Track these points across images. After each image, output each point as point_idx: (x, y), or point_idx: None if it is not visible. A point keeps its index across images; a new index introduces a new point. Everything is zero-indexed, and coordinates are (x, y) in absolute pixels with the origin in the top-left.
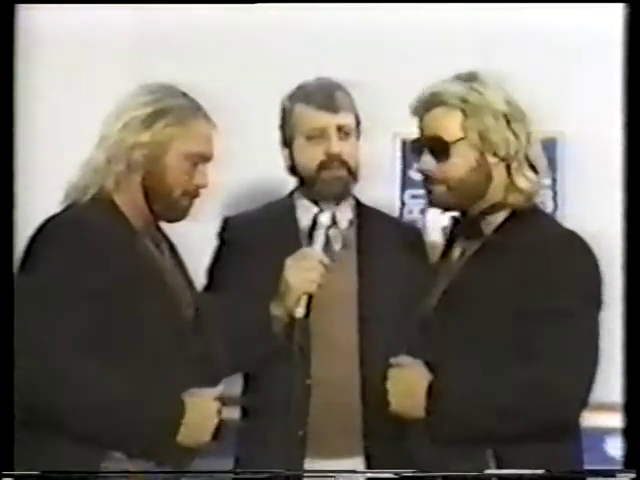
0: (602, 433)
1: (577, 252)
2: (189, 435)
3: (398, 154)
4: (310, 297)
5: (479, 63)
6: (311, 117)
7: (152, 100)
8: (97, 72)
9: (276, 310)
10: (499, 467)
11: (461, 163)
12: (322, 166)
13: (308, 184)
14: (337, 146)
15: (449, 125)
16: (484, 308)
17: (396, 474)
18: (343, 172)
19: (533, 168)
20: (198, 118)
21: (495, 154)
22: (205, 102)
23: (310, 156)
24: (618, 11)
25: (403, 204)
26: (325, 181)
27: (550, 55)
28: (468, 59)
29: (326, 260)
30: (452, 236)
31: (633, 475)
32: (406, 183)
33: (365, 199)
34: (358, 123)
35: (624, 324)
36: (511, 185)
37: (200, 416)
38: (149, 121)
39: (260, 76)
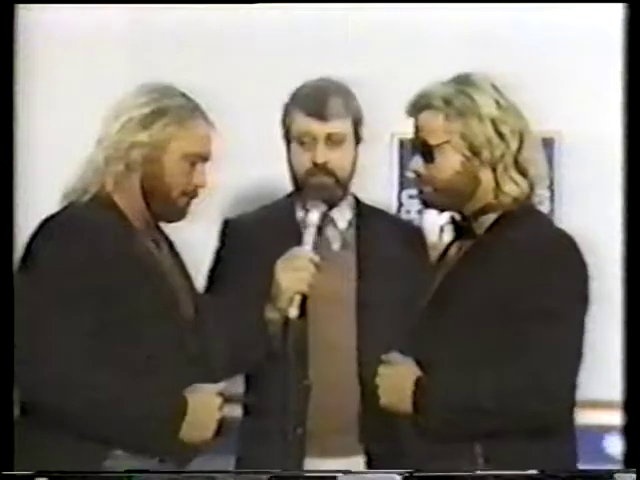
0: (601, 431)
1: (565, 252)
2: (192, 431)
3: (395, 154)
4: (304, 297)
5: (478, 63)
6: (301, 123)
7: (150, 100)
8: (97, 72)
9: (270, 313)
10: (487, 464)
11: (446, 166)
12: (309, 173)
13: (299, 188)
14: (323, 156)
15: (433, 128)
16: (473, 307)
17: (398, 474)
18: (330, 181)
19: (524, 173)
20: (196, 118)
21: (479, 157)
22: (204, 102)
23: (300, 161)
24: (618, 11)
25: (400, 204)
26: (311, 188)
27: (549, 55)
28: (467, 59)
29: (317, 259)
30: (450, 235)
31: (633, 475)
32: (403, 183)
33: (362, 199)
34: (357, 127)
35: (624, 323)
36: (497, 189)
37: (202, 412)
38: (147, 121)
39: (259, 76)
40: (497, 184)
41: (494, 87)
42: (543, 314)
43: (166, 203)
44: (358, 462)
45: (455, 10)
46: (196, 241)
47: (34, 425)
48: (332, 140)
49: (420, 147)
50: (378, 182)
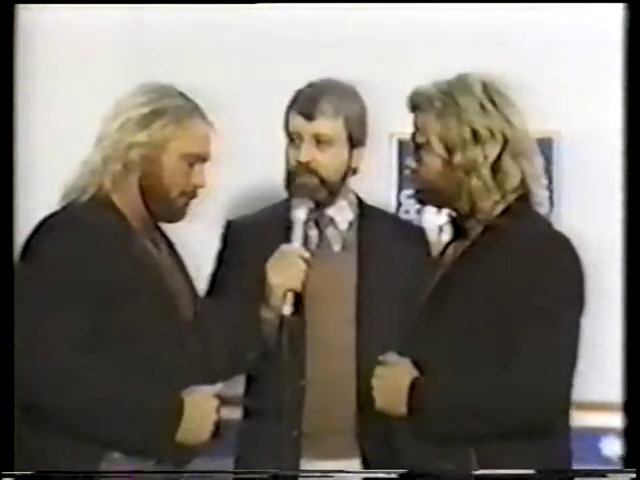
0: (598, 433)
1: (560, 252)
2: (188, 433)
3: (394, 154)
4: (297, 295)
5: (478, 63)
6: (291, 121)
7: (149, 100)
8: (96, 72)
9: (265, 312)
10: (482, 466)
11: (429, 166)
12: (294, 171)
13: (287, 185)
14: (307, 155)
15: (419, 127)
16: (468, 308)
17: (394, 475)
18: (313, 181)
19: (499, 183)
20: (195, 118)
21: (455, 159)
22: (204, 103)
23: (289, 159)
24: (618, 11)
25: (399, 204)
26: (296, 187)
27: (549, 54)
28: (467, 59)
29: (306, 255)
30: (448, 235)
31: (633, 475)
32: (402, 183)
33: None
34: (351, 130)
35: (624, 323)
36: (478, 192)
37: (199, 414)
38: (146, 121)
39: (259, 77)
40: (478, 188)
41: (485, 89)
42: (538, 315)
43: (165, 203)
44: (354, 463)
45: (455, 10)
46: (196, 242)
47: (30, 426)
48: (320, 140)
49: (412, 146)
50: (377, 182)
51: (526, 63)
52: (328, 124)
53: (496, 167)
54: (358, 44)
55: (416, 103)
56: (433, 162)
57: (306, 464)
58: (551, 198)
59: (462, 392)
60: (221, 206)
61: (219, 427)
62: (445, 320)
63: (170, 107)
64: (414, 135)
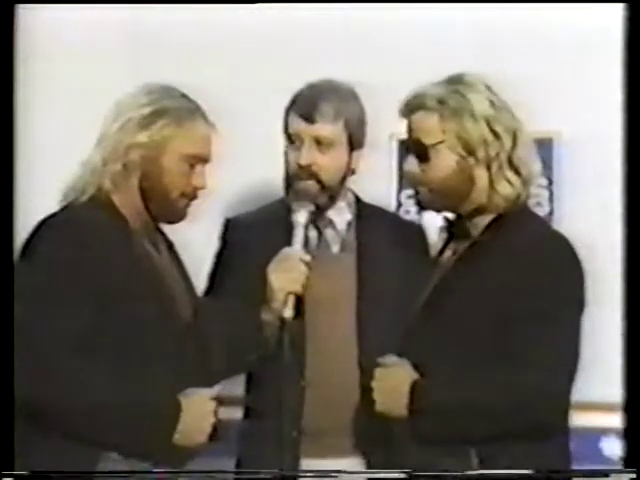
0: (598, 433)
1: (560, 254)
2: (185, 435)
3: (394, 155)
4: (298, 298)
5: (478, 63)
6: (292, 124)
7: (150, 101)
8: (97, 72)
9: (266, 315)
10: (483, 467)
11: (441, 166)
12: (295, 174)
13: (287, 188)
14: (308, 158)
15: (428, 128)
16: (468, 309)
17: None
18: (313, 184)
19: (517, 172)
20: (196, 119)
21: (475, 156)
22: (204, 103)
23: (289, 162)
24: (618, 10)
25: (399, 204)
26: (295, 190)
27: (549, 55)
28: (466, 59)
29: (307, 258)
30: (447, 236)
31: (633, 475)
32: (402, 183)
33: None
34: (351, 133)
35: (624, 324)
36: (492, 189)
37: (196, 416)
38: (146, 122)
39: (259, 77)
40: (491, 183)
41: (487, 87)
42: (538, 315)
43: (165, 204)
44: (353, 463)
45: (455, 10)
46: (195, 242)
47: (27, 427)
48: (320, 143)
49: (414, 148)
50: (377, 182)
51: (526, 63)
52: (329, 127)
53: (513, 161)
54: (358, 45)
55: (420, 104)
56: (446, 162)
57: (306, 463)
58: (550, 198)
59: (462, 394)
60: (220, 206)
61: (218, 429)
62: (445, 321)
63: (171, 108)
64: (417, 138)
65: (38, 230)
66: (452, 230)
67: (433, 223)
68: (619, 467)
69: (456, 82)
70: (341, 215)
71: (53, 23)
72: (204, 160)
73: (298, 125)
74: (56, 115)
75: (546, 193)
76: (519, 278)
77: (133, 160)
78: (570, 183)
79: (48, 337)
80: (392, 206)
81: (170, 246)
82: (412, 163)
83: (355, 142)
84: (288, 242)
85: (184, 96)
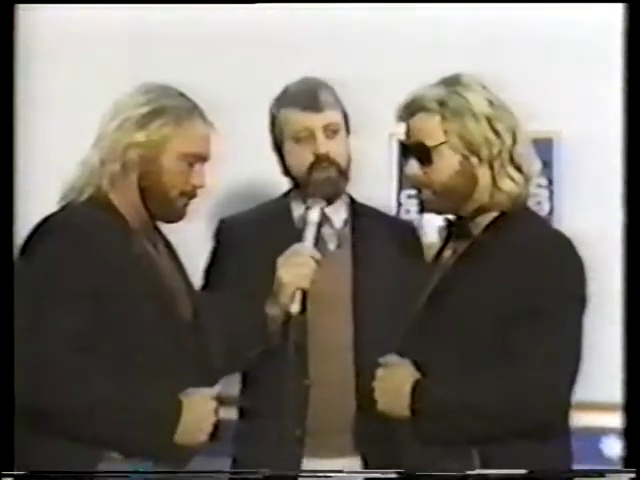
0: (599, 433)
1: (562, 253)
2: (186, 435)
3: (394, 154)
4: (304, 293)
5: (477, 63)
6: (296, 119)
7: (148, 100)
8: (97, 72)
9: (271, 309)
10: (485, 467)
11: (444, 167)
12: (312, 167)
13: (301, 186)
14: (324, 146)
15: (429, 130)
16: (469, 308)
17: (394, 474)
18: (333, 172)
19: (519, 169)
20: (194, 118)
21: (478, 156)
22: (204, 102)
23: (300, 158)
24: (618, 10)
25: (399, 204)
26: (316, 182)
27: (548, 54)
28: (466, 59)
29: (318, 255)
30: (446, 236)
31: (633, 475)
32: (402, 183)
33: (362, 199)
34: (346, 119)
35: (624, 324)
36: (495, 187)
37: (197, 416)
38: (144, 121)
39: (256, 76)
40: (494, 181)
41: (483, 87)
42: (539, 315)
43: (164, 203)
44: (355, 462)
45: (456, 10)
46: (193, 241)
47: (27, 427)
48: (329, 130)
49: (416, 150)
50: (377, 182)
51: (526, 63)
52: (334, 114)
53: (514, 158)
54: (358, 44)
55: (419, 106)
56: (448, 162)
57: (308, 463)
58: (550, 198)
59: (464, 393)
60: (219, 205)
61: (218, 429)
62: (446, 321)
63: (169, 107)
64: (419, 140)
65: (37, 230)
66: (452, 229)
67: (433, 223)
68: (619, 467)
69: (453, 83)
70: (338, 213)
71: (53, 23)
72: (203, 159)
73: (305, 117)
74: (56, 115)
75: (546, 193)
76: (520, 277)
77: (131, 159)
78: (570, 183)
79: (47, 336)
80: (392, 206)
81: (169, 245)
82: (414, 166)
83: (349, 127)
84: (283, 240)
85: (182, 95)
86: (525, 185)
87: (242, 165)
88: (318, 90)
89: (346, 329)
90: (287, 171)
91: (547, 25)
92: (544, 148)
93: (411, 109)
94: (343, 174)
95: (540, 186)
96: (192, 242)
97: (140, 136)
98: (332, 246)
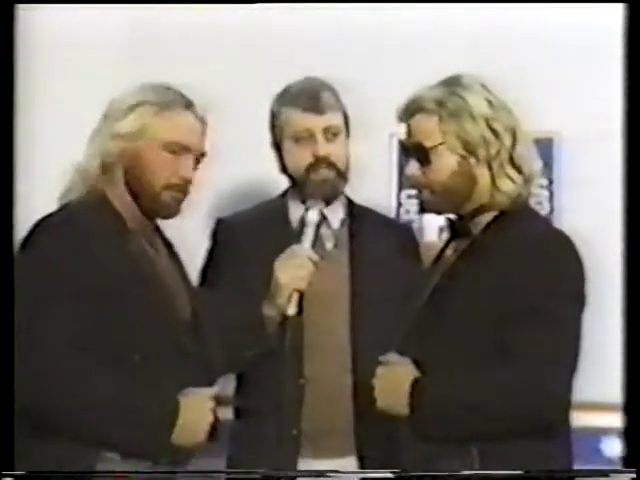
0: (599, 433)
1: (561, 252)
2: (183, 435)
3: (394, 154)
4: (301, 295)
5: (477, 63)
6: (297, 120)
7: (132, 94)
8: (96, 72)
9: (268, 310)
10: (484, 465)
11: (443, 168)
12: (310, 168)
13: (299, 186)
14: (324, 148)
15: (428, 131)
16: (469, 307)
17: (391, 474)
18: (332, 174)
19: (519, 170)
20: (178, 109)
21: (476, 156)
22: (200, 101)
23: (298, 158)
24: (618, 10)
25: (400, 204)
26: (314, 183)
27: (549, 54)
28: (466, 59)
29: (315, 257)
30: (448, 236)
31: (633, 475)
32: (402, 183)
33: (362, 199)
34: (347, 121)
35: (624, 323)
36: (494, 187)
37: (194, 416)
38: (124, 114)
39: (255, 75)
40: (493, 181)
41: (483, 87)
42: (538, 314)
43: (152, 197)
44: (352, 462)
45: (456, 10)
46: (191, 240)
47: (25, 427)
48: (330, 132)
49: (415, 151)
50: (377, 182)
51: (526, 63)
52: (335, 116)
53: (514, 157)
54: (358, 44)
55: (418, 107)
56: (447, 163)
57: (302, 463)
58: (551, 198)
59: (463, 392)
60: (213, 205)
61: (216, 428)
62: (445, 320)
63: (151, 99)
64: (417, 141)
65: (34, 231)
66: (453, 229)
67: (433, 223)
68: (619, 467)
69: (453, 84)
70: (335, 213)
71: (53, 23)
72: (188, 150)
73: (306, 119)
74: (56, 115)
75: (546, 193)
76: (520, 276)
77: (113, 153)
78: (570, 183)
79: (45, 336)
80: (392, 206)
81: (168, 244)
82: (414, 166)
83: (349, 129)
84: (280, 240)
85: (168, 89)
86: (525, 185)
87: (241, 164)
88: (320, 91)
89: (343, 329)
90: (285, 169)
91: (547, 25)
92: (544, 148)
93: (410, 110)
94: (342, 176)
95: (540, 186)
96: (190, 241)
97: (120, 127)
98: (329, 246)
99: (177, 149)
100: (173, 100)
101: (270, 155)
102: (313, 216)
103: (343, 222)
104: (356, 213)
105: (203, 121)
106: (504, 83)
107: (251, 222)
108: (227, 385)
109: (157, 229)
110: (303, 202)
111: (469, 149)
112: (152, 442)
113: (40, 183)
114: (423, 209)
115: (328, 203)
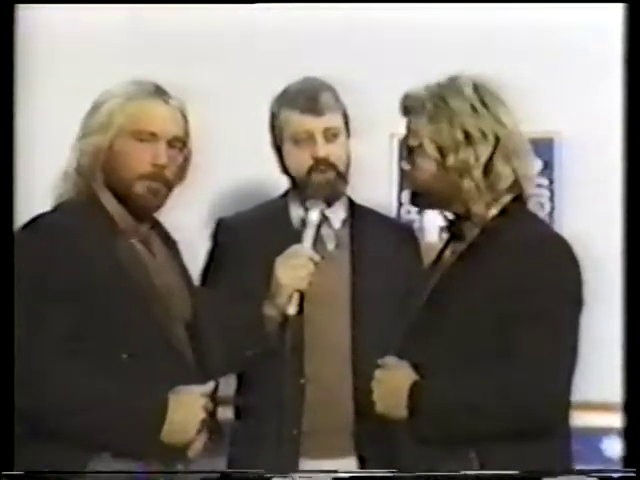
0: (599, 433)
1: (558, 254)
2: (172, 433)
3: (395, 154)
4: (302, 295)
5: (478, 62)
6: (296, 121)
7: (103, 92)
8: (96, 72)
9: (269, 310)
10: (482, 467)
11: (423, 168)
12: (311, 170)
13: (299, 187)
14: (324, 150)
15: (413, 130)
16: (467, 309)
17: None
18: (332, 175)
19: (492, 185)
20: (147, 98)
21: (453, 161)
22: (199, 101)
23: (298, 160)
24: (618, 10)
25: (400, 204)
26: (315, 184)
27: (549, 54)
28: (468, 58)
29: (316, 257)
30: (447, 237)
31: (633, 475)
32: (403, 183)
33: (362, 199)
34: (347, 122)
35: (624, 324)
36: (470, 194)
37: (183, 413)
38: (94, 111)
39: (255, 76)
40: (477, 188)
41: (476, 90)
42: (536, 315)
43: (125, 189)
44: (352, 463)
45: (456, 10)
46: (193, 240)
47: (18, 427)
48: (329, 134)
49: (405, 148)
50: (378, 182)
51: (526, 63)
52: (334, 117)
53: (488, 168)
54: (358, 44)
55: (408, 107)
56: (427, 165)
57: (303, 463)
58: (551, 198)
59: (462, 394)
60: (218, 204)
61: (212, 427)
62: (444, 322)
63: (118, 91)
64: (407, 138)
65: (24, 231)
66: (453, 230)
67: (433, 223)
68: (619, 467)
69: (444, 85)
70: (336, 213)
71: (53, 23)
72: (157, 136)
73: (306, 120)
74: (56, 114)
75: (546, 193)
76: (518, 278)
77: (88, 151)
78: (570, 183)
79: (33, 337)
80: (393, 206)
81: (167, 243)
82: (404, 163)
83: (349, 130)
84: (280, 241)
85: (141, 82)
86: (507, 193)
87: (242, 165)
88: (319, 92)
89: (343, 329)
90: (286, 170)
91: (547, 25)
92: (544, 148)
93: (402, 108)
94: (342, 177)
95: (540, 186)
96: (190, 242)
97: (89, 125)
98: (331, 246)
99: (145, 136)
100: (140, 90)
101: (270, 155)
102: (314, 216)
103: (344, 222)
104: (357, 213)
105: (180, 111)
106: (504, 83)
107: (252, 222)
108: (228, 385)
109: (155, 229)
110: (304, 203)
111: (442, 153)
112: (142, 441)
113: (40, 183)
114: (412, 203)
115: (329, 204)
